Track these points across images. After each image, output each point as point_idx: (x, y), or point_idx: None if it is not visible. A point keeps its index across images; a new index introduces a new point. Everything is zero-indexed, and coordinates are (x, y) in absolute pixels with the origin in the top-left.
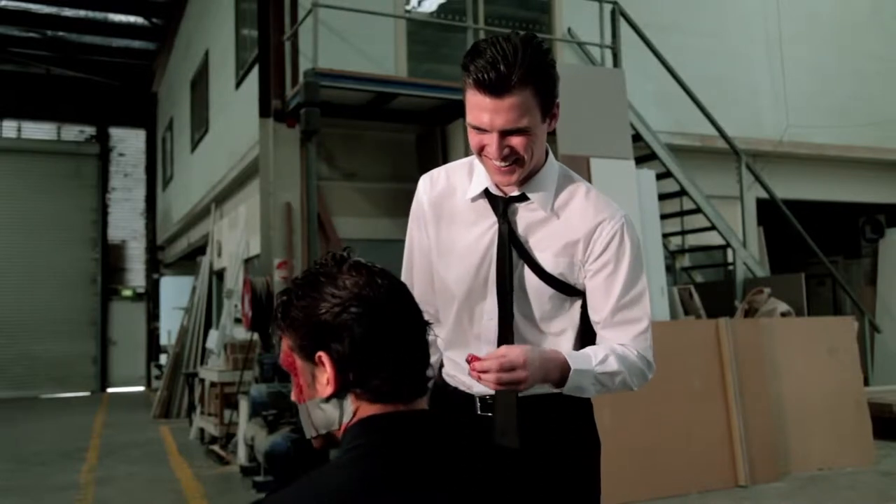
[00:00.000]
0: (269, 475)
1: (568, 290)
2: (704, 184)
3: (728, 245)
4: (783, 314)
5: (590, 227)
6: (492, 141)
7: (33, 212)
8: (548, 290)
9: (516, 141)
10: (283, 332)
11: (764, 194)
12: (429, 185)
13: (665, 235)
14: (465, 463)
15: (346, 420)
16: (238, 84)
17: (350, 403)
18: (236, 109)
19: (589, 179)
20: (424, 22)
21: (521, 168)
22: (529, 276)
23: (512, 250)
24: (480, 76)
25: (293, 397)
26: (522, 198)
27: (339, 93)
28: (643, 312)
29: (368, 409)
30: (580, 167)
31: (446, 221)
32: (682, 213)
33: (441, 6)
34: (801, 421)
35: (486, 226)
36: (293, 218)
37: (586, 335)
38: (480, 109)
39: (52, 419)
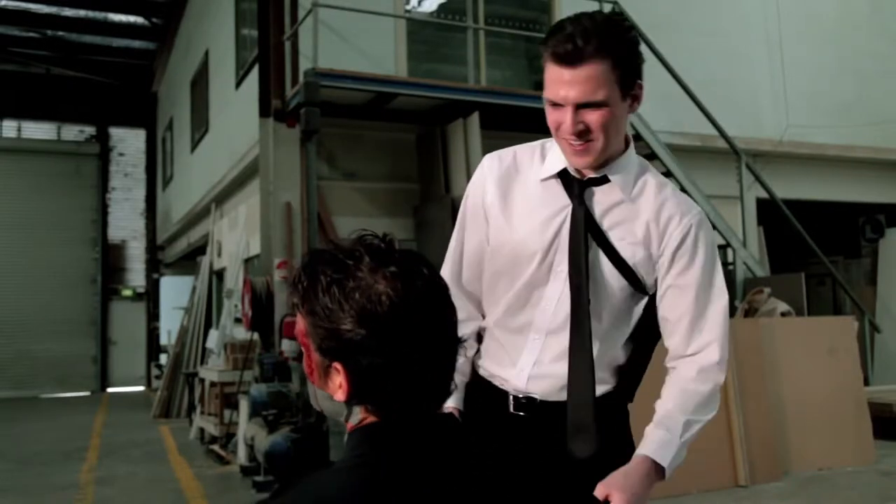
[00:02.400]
0: (269, 475)
1: (638, 284)
2: (704, 184)
3: (728, 245)
4: (783, 314)
5: (665, 218)
6: (566, 116)
7: (33, 211)
8: (620, 281)
9: (592, 117)
10: (300, 311)
11: (764, 194)
12: (496, 163)
13: None
14: (468, 473)
15: (353, 422)
16: (238, 84)
17: (359, 411)
18: (236, 109)
19: None
20: (424, 22)
21: (596, 148)
22: (604, 264)
23: (587, 236)
24: (558, 48)
25: (304, 369)
26: (602, 180)
27: (339, 93)
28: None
29: (377, 418)
30: None
31: (514, 199)
32: None
33: (441, 6)
34: (801, 421)
35: (557, 208)
36: (293, 218)
37: (638, 336)
38: (558, 83)
39: (52, 419)
